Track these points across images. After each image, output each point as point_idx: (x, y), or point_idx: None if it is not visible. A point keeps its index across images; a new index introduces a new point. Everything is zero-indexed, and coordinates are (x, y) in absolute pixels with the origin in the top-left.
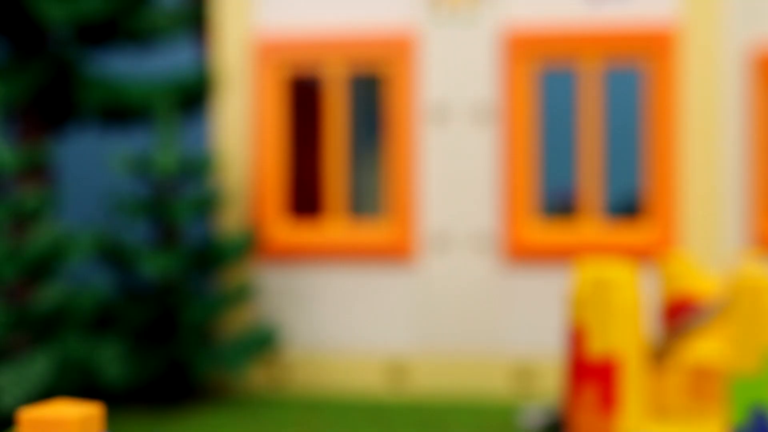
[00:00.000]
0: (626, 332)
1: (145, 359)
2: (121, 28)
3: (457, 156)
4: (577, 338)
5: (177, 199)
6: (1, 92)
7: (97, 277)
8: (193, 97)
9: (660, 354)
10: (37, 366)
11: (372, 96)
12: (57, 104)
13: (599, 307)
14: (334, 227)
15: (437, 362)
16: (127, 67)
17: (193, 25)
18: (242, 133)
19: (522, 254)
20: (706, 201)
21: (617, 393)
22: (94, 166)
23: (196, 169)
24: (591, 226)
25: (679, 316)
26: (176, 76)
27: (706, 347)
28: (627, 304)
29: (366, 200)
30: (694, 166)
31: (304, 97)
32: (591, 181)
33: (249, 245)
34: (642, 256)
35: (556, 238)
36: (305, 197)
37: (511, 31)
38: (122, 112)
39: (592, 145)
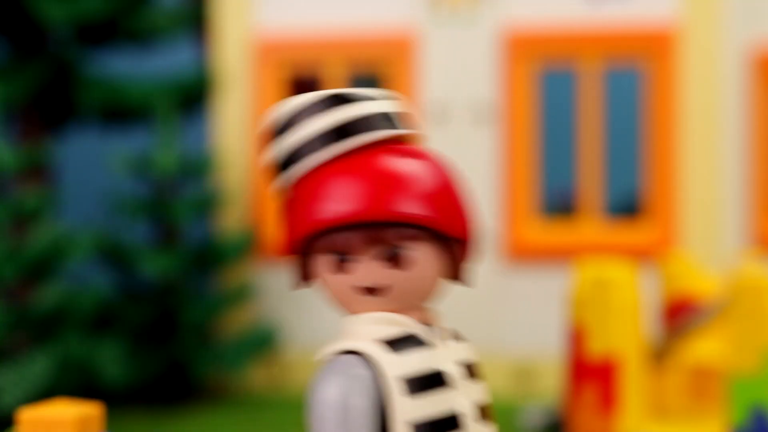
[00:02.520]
0: (626, 332)
1: (145, 359)
2: (121, 28)
3: (457, 156)
4: (577, 338)
5: (177, 199)
6: (1, 92)
7: (97, 277)
8: (193, 97)
9: (660, 354)
10: (37, 366)
11: None
12: (57, 104)
13: (599, 307)
14: None
15: None
16: (127, 67)
17: (193, 25)
18: (242, 133)
19: (522, 254)
20: (706, 201)
21: (617, 393)
22: (94, 166)
23: (196, 169)
24: (591, 226)
25: (679, 316)
26: (176, 76)
27: (706, 347)
28: (627, 304)
29: None
30: (694, 166)
31: None
32: (591, 181)
33: (249, 245)
34: (642, 256)
35: (556, 238)
36: None
37: (511, 31)
38: (122, 112)
39: (592, 145)
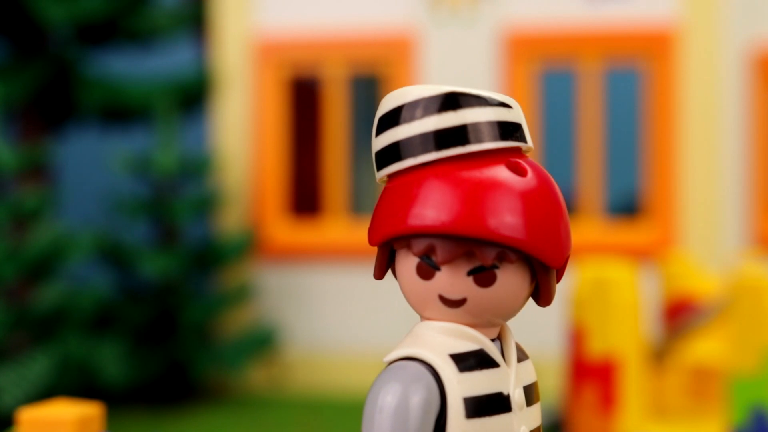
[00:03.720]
0: (626, 332)
1: (145, 359)
2: (121, 28)
3: None
4: (577, 338)
5: (177, 199)
6: (1, 92)
7: (97, 277)
8: (193, 97)
9: (660, 354)
10: (37, 366)
11: (372, 96)
12: (57, 104)
13: (599, 307)
14: (334, 227)
15: None
16: (127, 67)
17: (193, 25)
18: (242, 133)
19: None
20: (706, 201)
21: (617, 393)
22: (94, 166)
23: (196, 169)
24: (591, 226)
25: (679, 316)
26: (176, 76)
27: (706, 347)
28: (627, 304)
29: (366, 200)
30: (694, 166)
31: (304, 97)
32: (591, 181)
33: (249, 245)
34: (642, 256)
35: None
36: (305, 197)
37: (511, 31)
38: (122, 112)
39: (592, 145)
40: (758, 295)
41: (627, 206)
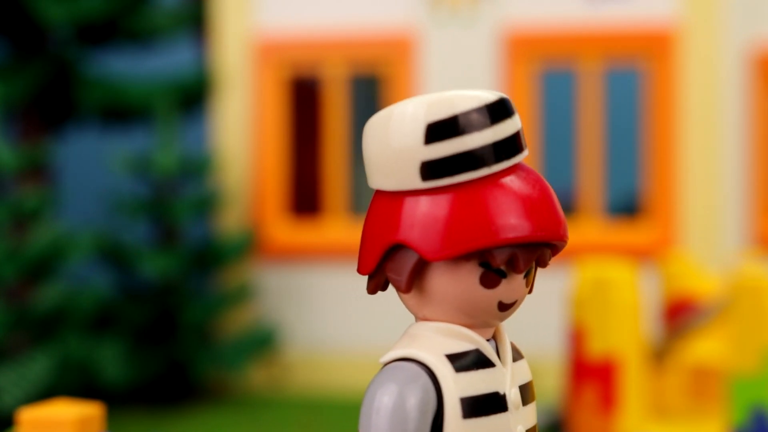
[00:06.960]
0: (626, 332)
1: (145, 359)
2: (121, 28)
3: None
4: (577, 338)
5: (177, 199)
6: (1, 92)
7: (97, 277)
8: (193, 97)
9: (660, 354)
10: (37, 366)
11: (372, 96)
12: (57, 104)
13: (599, 307)
14: (334, 227)
15: None
16: (127, 67)
17: (193, 25)
18: (242, 133)
19: None
20: (706, 201)
21: (617, 393)
22: (94, 166)
23: (196, 169)
24: (591, 226)
25: (679, 316)
26: (176, 76)
27: (706, 347)
28: (627, 304)
29: (366, 200)
30: (694, 166)
31: (304, 97)
32: (591, 180)
33: (249, 245)
34: (642, 256)
35: None
36: (305, 197)
37: (511, 31)
38: (122, 112)
39: (592, 145)
40: (758, 295)
41: (627, 206)
